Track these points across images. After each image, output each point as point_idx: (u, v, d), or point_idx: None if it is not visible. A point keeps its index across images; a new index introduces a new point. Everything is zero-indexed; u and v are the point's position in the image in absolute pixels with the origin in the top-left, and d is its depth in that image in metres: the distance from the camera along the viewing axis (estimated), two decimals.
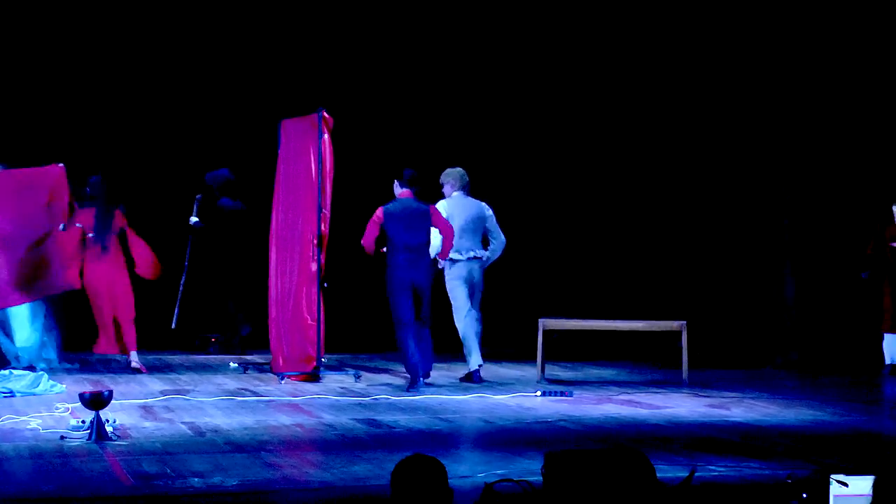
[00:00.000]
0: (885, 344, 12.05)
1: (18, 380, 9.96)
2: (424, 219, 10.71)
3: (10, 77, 13.97)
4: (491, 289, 14.43)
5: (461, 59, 14.89)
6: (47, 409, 8.82)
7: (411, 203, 10.72)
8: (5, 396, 9.64)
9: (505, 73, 14.91)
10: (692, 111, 14.00)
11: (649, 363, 12.43)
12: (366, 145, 14.25)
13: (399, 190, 10.81)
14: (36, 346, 11.87)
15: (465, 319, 11.21)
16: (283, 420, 8.70)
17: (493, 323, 13.89)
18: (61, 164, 12.11)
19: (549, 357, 11.45)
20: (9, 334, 11.89)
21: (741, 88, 13.42)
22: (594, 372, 12.08)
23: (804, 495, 5.52)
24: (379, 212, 10.71)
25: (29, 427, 8.11)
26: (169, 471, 6.70)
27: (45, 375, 10.18)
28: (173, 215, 13.82)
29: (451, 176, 11.40)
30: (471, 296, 11.30)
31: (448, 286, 11.31)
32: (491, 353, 13.06)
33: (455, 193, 11.33)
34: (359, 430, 8.26)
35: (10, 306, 11.75)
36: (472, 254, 11.30)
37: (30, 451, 7.29)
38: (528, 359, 11.91)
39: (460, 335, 11.23)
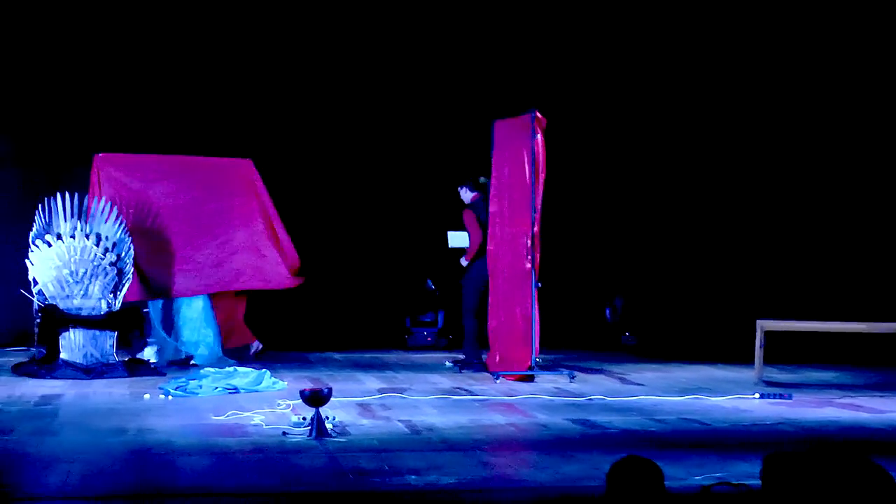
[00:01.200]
0: None
1: (242, 377, 10.25)
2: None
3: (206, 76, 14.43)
4: (706, 290, 14.26)
5: (680, 58, 14.73)
6: (269, 406, 9.05)
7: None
8: (230, 393, 9.93)
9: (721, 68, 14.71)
10: None
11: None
12: (579, 145, 14.22)
13: (470, 195, 11.92)
14: (211, 345, 12.25)
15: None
16: (498, 419, 8.74)
17: (709, 325, 13.70)
18: (248, 159, 12.47)
19: (767, 359, 11.22)
20: (174, 329, 12.24)
21: None
22: (813, 375, 11.78)
23: None
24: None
25: (252, 423, 8.32)
26: (386, 468, 6.79)
27: (268, 373, 10.45)
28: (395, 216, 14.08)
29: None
30: None
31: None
32: (706, 355, 12.90)
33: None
34: (572, 431, 8.23)
35: (180, 296, 12.14)
36: None
37: (252, 446, 7.48)
38: (744, 361, 11.69)
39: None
